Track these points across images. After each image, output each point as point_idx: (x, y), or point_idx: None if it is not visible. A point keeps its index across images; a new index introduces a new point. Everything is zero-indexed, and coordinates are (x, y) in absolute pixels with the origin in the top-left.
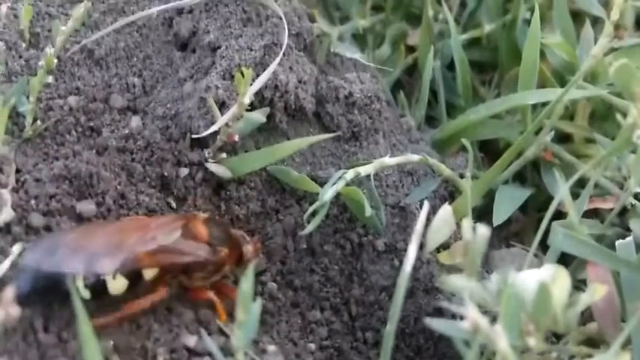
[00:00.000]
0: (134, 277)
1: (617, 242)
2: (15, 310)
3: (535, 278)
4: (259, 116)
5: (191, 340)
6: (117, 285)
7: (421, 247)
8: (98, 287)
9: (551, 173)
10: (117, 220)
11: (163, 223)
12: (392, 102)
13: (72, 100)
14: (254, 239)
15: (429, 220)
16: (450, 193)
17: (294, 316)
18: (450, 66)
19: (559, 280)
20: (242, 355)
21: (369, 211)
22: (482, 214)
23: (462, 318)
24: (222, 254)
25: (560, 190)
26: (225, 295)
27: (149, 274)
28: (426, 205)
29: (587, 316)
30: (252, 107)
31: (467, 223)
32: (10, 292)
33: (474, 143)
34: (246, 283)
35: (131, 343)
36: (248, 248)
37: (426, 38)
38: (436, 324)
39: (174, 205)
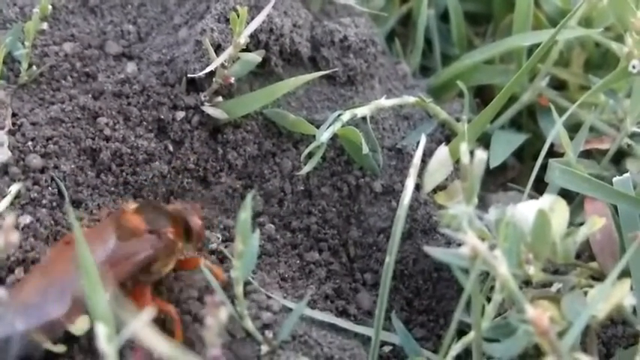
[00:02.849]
0: None
1: (615, 178)
2: (15, 237)
3: (533, 209)
4: (255, 57)
5: None
6: (80, 324)
7: (419, 188)
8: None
9: (547, 117)
10: (41, 264)
11: (93, 240)
12: (386, 50)
13: (67, 46)
14: (194, 205)
15: (426, 162)
16: (446, 137)
17: (293, 257)
18: (444, 18)
19: (557, 209)
20: (241, 286)
21: (366, 149)
22: None
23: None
24: (169, 235)
25: (555, 126)
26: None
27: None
28: (423, 140)
29: (587, 256)
30: (247, 51)
31: (464, 146)
32: (10, 219)
33: (470, 90)
34: (245, 212)
35: None
36: (193, 219)
37: None
38: (435, 252)
39: (171, 148)
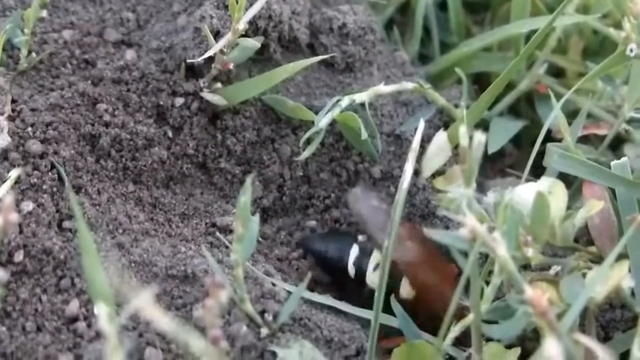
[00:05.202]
0: None
1: (612, 162)
2: (14, 217)
3: (532, 192)
4: (254, 43)
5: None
6: None
7: (417, 173)
8: None
9: (545, 104)
10: None
11: None
12: (385, 38)
13: (66, 33)
14: None
15: (424, 147)
16: (444, 123)
17: (292, 242)
18: (442, 6)
19: (556, 192)
20: (241, 269)
21: (364, 135)
22: None
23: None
24: None
25: (553, 112)
26: None
27: None
28: (421, 125)
29: (585, 240)
30: (246, 37)
31: (463, 129)
32: (9, 199)
33: (468, 77)
34: (244, 196)
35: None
36: None
37: None
38: (434, 234)
39: (170, 134)
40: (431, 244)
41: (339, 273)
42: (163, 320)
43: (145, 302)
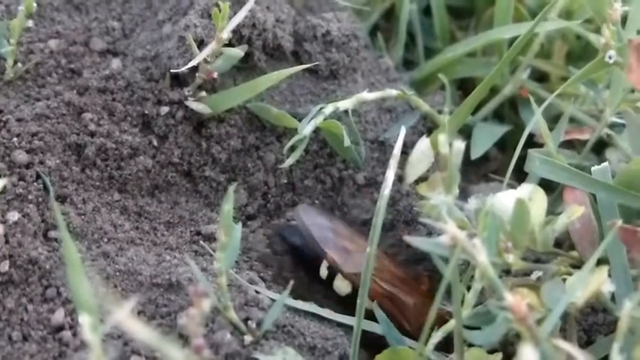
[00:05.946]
0: None
1: (593, 168)
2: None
3: (512, 198)
4: (238, 51)
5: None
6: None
7: (401, 179)
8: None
9: (528, 109)
10: None
11: None
12: (369, 44)
13: (52, 43)
14: None
15: (408, 154)
16: (428, 129)
17: None
18: (426, 12)
19: (536, 198)
20: (224, 277)
21: (347, 142)
22: None
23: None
24: None
25: (535, 117)
26: None
27: None
28: (403, 132)
29: (568, 245)
30: (230, 46)
31: (443, 137)
32: None
33: (452, 83)
34: (227, 204)
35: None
36: None
37: None
38: (415, 241)
39: (155, 143)
40: (388, 255)
41: (310, 270)
42: (143, 332)
43: (125, 314)
